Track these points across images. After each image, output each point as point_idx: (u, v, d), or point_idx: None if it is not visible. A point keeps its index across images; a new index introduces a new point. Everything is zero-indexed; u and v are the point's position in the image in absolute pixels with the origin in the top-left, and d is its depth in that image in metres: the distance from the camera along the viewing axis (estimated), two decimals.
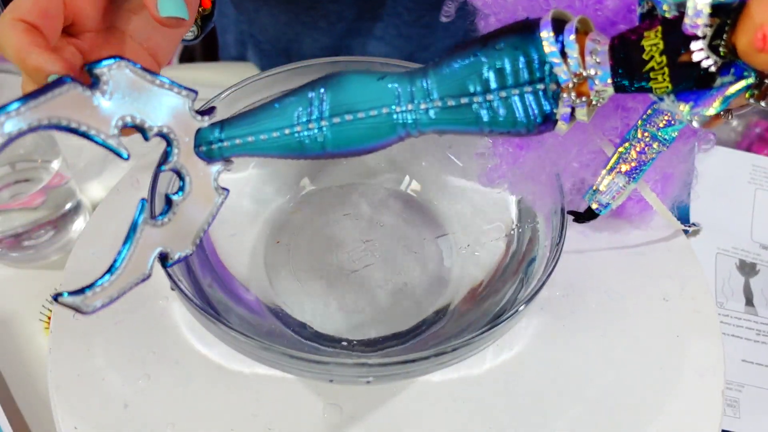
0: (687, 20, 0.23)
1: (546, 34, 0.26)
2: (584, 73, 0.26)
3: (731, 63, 0.23)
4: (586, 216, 0.34)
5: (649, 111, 0.30)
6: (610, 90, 0.26)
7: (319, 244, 0.42)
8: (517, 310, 0.32)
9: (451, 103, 0.28)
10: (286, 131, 0.29)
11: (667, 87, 0.24)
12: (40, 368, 0.43)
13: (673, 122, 0.29)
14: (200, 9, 0.37)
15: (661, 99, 0.26)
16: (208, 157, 0.29)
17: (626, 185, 0.31)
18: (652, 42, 0.24)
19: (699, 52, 0.23)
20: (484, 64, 0.27)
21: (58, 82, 0.24)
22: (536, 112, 0.27)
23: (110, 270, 0.27)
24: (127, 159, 0.27)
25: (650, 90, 0.25)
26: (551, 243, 0.35)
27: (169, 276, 0.32)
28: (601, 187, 0.32)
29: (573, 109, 0.27)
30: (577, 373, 0.38)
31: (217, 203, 0.30)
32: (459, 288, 0.40)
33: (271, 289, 0.40)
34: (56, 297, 0.26)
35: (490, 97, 0.27)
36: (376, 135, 0.28)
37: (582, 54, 0.26)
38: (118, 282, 0.27)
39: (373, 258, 0.42)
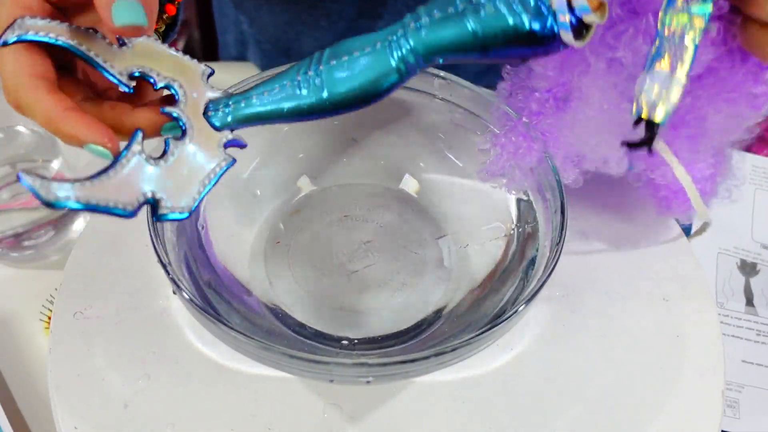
0: None
1: None
2: None
3: None
4: (644, 140, 0.26)
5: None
6: None
7: (319, 244, 0.42)
8: (517, 310, 0.32)
9: (438, 15, 0.27)
10: (287, 83, 0.29)
11: None
12: (40, 368, 0.43)
13: None
14: (164, 16, 0.34)
15: None
16: (217, 123, 0.29)
17: (671, 76, 0.26)
18: None
19: None
20: None
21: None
22: (524, 8, 0.26)
23: (91, 176, 0.26)
24: (130, 92, 0.28)
25: None
26: (551, 243, 0.35)
27: (170, 276, 0.32)
28: (643, 93, 0.26)
29: (575, 17, 0.26)
30: (577, 373, 0.38)
31: (221, 165, 0.29)
32: (459, 288, 0.40)
33: (271, 290, 0.40)
34: (19, 175, 0.24)
35: (474, 1, 0.27)
36: (373, 69, 0.28)
37: None
38: (93, 189, 0.26)
39: (373, 258, 0.42)
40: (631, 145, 0.26)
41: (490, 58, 0.28)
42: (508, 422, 0.36)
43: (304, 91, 0.28)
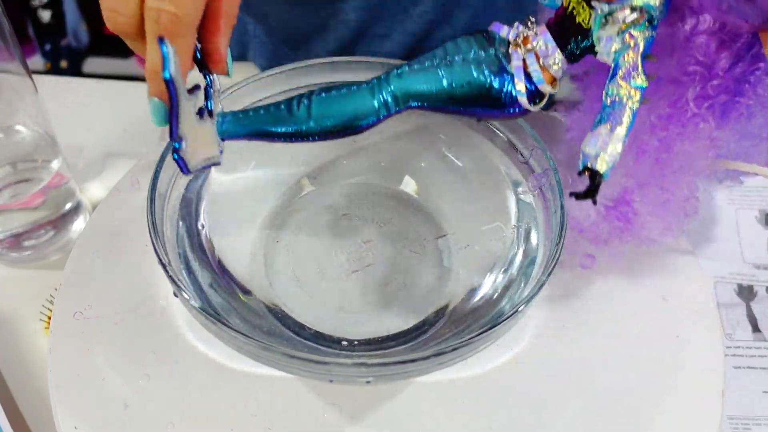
0: None
1: (494, 25, 0.33)
2: (526, 33, 0.32)
3: None
4: (588, 190, 0.29)
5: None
6: (559, 55, 0.31)
7: (318, 244, 0.42)
8: (517, 310, 0.32)
9: (415, 66, 0.33)
10: (280, 106, 0.33)
11: (589, 13, 0.30)
12: (40, 368, 0.43)
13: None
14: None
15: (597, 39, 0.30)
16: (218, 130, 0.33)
17: (610, 133, 0.28)
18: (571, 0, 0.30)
19: None
20: (442, 47, 0.33)
21: None
22: (489, 70, 0.32)
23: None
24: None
25: (586, 35, 0.30)
26: (551, 243, 0.35)
27: (170, 276, 0.32)
28: (586, 147, 0.29)
29: (531, 84, 0.32)
30: (576, 373, 0.38)
31: (218, 158, 0.33)
32: (459, 288, 0.40)
33: (271, 290, 0.40)
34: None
35: (448, 59, 0.32)
36: (355, 105, 0.32)
37: (525, 25, 0.32)
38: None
39: (373, 258, 0.42)
40: (578, 196, 0.28)
41: (460, 111, 0.33)
42: (508, 422, 0.36)
43: (294, 105, 0.32)
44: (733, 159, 0.37)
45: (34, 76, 0.44)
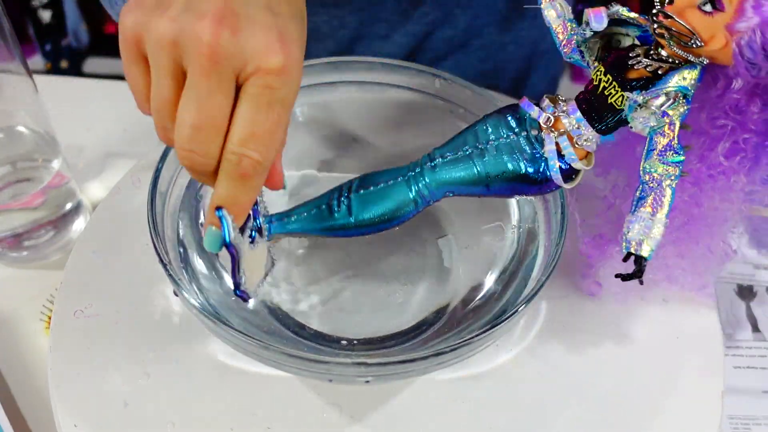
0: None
1: (523, 102, 0.32)
2: (556, 113, 0.31)
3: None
4: (634, 273, 0.30)
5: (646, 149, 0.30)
6: (591, 132, 0.31)
7: (318, 244, 0.42)
8: (517, 310, 0.32)
9: (449, 156, 0.33)
10: (321, 206, 0.35)
11: (622, 96, 0.29)
12: (40, 368, 0.43)
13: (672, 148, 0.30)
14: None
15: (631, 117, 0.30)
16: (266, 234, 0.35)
17: (652, 217, 0.29)
18: (602, 78, 0.30)
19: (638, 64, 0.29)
20: (472, 131, 0.33)
21: None
22: (522, 157, 0.32)
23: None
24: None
25: (619, 113, 0.30)
26: (551, 243, 0.35)
27: (170, 276, 0.32)
28: (629, 232, 0.30)
29: (566, 164, 0.32)
30: (576, 373, 0.38)
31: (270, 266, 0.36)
32: (459, 288, 0.40)
33: (271, 289, 0.40)
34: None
35: (480, 147, 0.33)
36: (393, 200, 0.34)
37: (554, 103, 0.31)
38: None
39: (373, 258, 0.42)
40: (624, 278, 0.30)
41: (494, 193, 0.34)
42: (508, 422, 0.36)
43: (335, 207, 0.35)
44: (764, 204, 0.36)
45: (34, 76, 0.44)
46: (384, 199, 0.34)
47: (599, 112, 0.31)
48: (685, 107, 0.29)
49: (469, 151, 0.33)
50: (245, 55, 0.26)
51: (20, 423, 0.40)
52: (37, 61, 1.25)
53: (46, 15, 1.22)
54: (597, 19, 0.30)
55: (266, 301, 0.39)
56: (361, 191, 0.34)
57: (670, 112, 0.29)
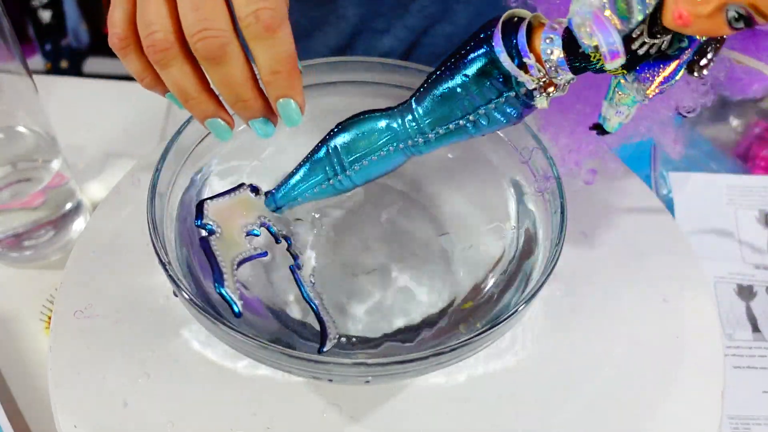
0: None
1: (500, 51, 0.30)
2: (546, 78, 0.30)
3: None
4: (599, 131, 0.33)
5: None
6: (570, 75, 0.30)
7: (319, 243, 0.42)
8: (517, 310, 0.32)
9: (441, 131, 0.33)
10: (323, 186, 0.37)
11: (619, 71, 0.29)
12: (40, 368, 0.43)
13: None
14: None
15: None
16: (271, 207, 0.39)
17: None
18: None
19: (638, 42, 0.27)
20: (457, 96, 0.32)
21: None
22: (513, 113, 0.32)
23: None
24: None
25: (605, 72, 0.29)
26: (551, 243, 0.35)
27: (170, 277, 0.32)
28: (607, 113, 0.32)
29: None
30: (576, 373, 0.38)
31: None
32: (459, 288, 0.40)
33: (271, 289, 0.40)
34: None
35: (471, 117, 0.32)
36: (389, 163, 0.36)
37: (539, 59, 0.29)
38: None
39: (374, 258, 0.42)
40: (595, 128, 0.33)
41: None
42: (508, 422, 0.36)
43: (341, 186, 0.37)
44: None
45: (35, 76, 0.44)
46: (382, 165, 0.36)
47: (587, 63, 0.29)
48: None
49: (462, 123, 0.33)
50: None
51: (20, 423, 0.41)
52: (37, 61, 1.25)
53: (46, 15, 1.22)
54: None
55: (266, 302, 0.39)
56: (356, 167, 0.36)
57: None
